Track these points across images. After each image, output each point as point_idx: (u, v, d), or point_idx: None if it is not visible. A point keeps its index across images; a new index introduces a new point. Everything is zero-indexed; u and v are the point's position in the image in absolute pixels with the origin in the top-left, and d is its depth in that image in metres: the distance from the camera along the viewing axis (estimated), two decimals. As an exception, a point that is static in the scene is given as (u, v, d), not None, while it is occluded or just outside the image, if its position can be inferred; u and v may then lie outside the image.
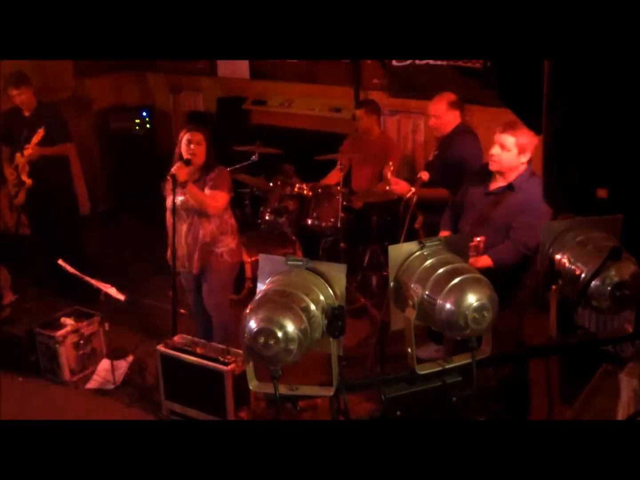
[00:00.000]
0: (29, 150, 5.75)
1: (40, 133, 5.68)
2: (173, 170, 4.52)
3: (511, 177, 3.88)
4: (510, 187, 3.86)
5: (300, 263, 1.87)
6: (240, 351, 4.52)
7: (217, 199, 4.66)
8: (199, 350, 4.55)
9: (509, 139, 3.75)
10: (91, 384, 5.15)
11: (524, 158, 3.79)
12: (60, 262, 5.20)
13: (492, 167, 3.88)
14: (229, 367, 4.35)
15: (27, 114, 5.99)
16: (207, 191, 4.65)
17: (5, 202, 6.72)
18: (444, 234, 4.19)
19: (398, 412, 1.85)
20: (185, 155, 4.60)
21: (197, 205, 4.63)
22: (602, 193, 2.04)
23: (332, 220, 5.82)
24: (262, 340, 1.68)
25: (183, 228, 4.77)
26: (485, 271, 1.82)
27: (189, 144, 4.61)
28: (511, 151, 3.77)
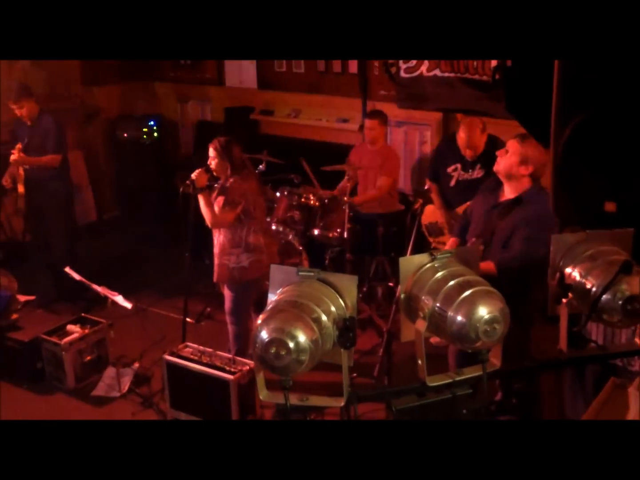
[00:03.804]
0: (15, 156, 5.94)
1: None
2: (193, 175, 4.64)
3: (519, 190, 3.90)
4: (517, 200, 3.88)
5: (312, 274, 1.88)
6: (246, 360, 4.53)
7: (218, 215, 4.70)
8: (205, 359, 4.55)
9: (515, 146, 3.85)
10: (97, 392, 5.15)
11: (525, 170, 3.83)
12: (67, 269, 5.23)
13: (495, 166, 3.99)
14: (235, 377, 4.35)
15: (29, 123, 6.11)
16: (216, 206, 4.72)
17: (12, 209, 6.78)
18: (452, 244, 4.21)
19: (408, 424, 1.85)
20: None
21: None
22: (610, 206, 2.05)
23: (338, 230, 5.83)
24: (273, 350, 1.68)
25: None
26: (492, 283, 1.82)
27: (210, 156, 4.76)
28: (513, 157, 3.84)
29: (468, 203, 5.35)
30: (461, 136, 5.40)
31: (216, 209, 4.69)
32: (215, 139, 4.81)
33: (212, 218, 4.68)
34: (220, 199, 4.70)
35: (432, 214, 5.58)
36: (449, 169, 5.52)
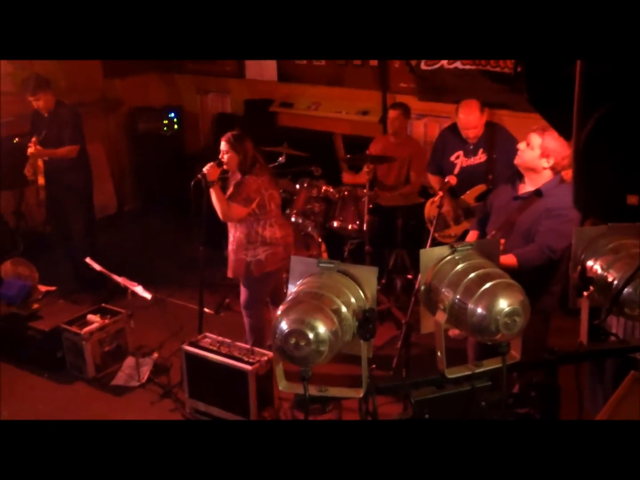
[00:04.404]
0: (32, 149, 6.00)
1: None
2: (205, 169, 4.64)
3: (539, 182, 3.87)
4: (538, 192, 3.85)
5: (332, 265, 1.88)
6: (264, 351, 4.55)
7: (231, 209, 4.71)
8: (223, 350, 4.58)
9: (536, 139, 3.81)
10: (116, 381, 5.20)
11: (546, 163, 3.80)
12: (88, 260, 5.28)
13: (515, 160, 3.96)
14: (253, 367, 4.37)
15: (46, 115, 6.17)
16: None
17: (33, 199, 6.86)
18: (472, 236, 4.20)
19: (426, 415, 1.86)
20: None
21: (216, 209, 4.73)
22: (632, 199, 2.02)
23: (357, 222, 5.83)
24: (293, 341, 1.68)
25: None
26: (512, 276, 1.82)
27: (222, 150, 4.75)
28: (534, 150, 3.82)
29: (467, 191, 5.34)
30: (461, 117, 5.36)
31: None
32: (228, 132, 4.81)
33: (224, 212, 4.69)
34: (235, 195, 4.71)
35: (434, 207, 5.52)
36: (452, 157, 5.50)
